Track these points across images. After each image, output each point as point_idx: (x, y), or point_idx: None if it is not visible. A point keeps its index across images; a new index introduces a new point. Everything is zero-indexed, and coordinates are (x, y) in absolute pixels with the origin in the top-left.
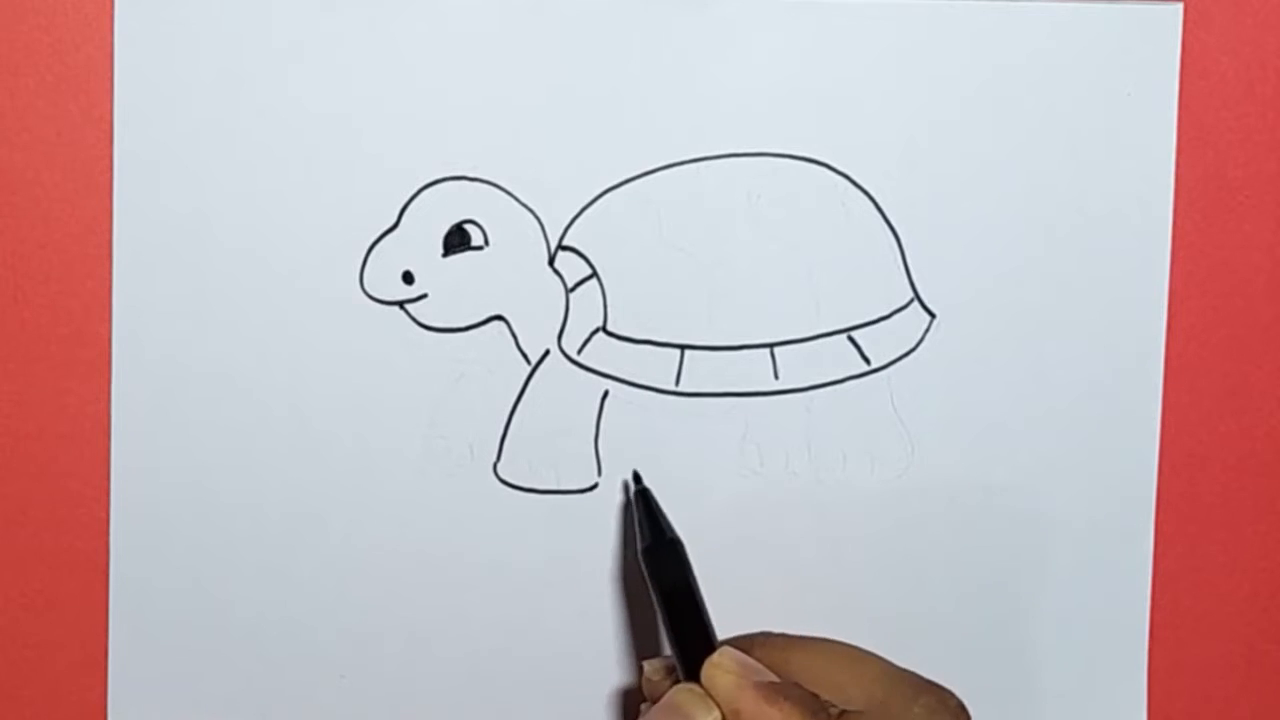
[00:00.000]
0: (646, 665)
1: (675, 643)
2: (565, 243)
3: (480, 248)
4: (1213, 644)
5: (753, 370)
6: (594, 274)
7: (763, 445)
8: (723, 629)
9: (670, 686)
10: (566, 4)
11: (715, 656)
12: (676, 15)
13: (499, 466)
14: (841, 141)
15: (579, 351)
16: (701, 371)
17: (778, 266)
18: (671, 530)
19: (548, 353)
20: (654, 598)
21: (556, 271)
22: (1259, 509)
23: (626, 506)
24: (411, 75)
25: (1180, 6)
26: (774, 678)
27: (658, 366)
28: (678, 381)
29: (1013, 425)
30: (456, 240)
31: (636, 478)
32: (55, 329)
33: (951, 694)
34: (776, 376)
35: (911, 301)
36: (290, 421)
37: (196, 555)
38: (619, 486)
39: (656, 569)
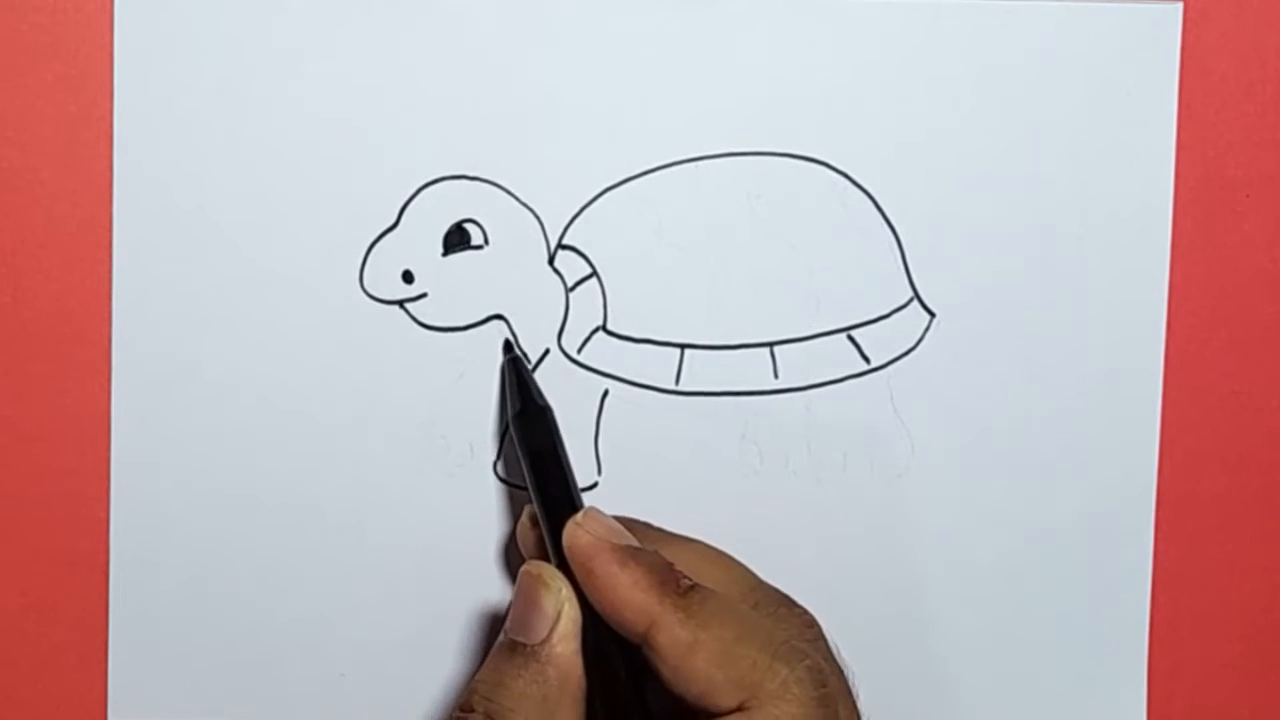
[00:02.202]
0: (525, 511)
1: (542, 507)
2: (565, 242)
3: (480, 247)
4: (1213, 644)
5: (752, 369)
6: (594, 273)
7: (763, 445)
8: None
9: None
10: (566, 4)
11: (579, 515)
12: (676, 15)
13: (499, 466)
14: (841, 141)
15: (579, 351)
16: (701, 371)
17: (777, 266)
18: (542, 398)
19: (547, 352)
20: (523, 463)
21: (556, 271)
22: (1259, 509)
23: (501, 376)
24: (411, 74)
25: (1180, 6)
26: (634, 541)
27: (657, 366)
28: (678, 381)
29: (1012, 425)
30: (456, 239)
31: (508, 346)
32: (55, 329)
33: (806, 610)
34: (776, 376)
35: (911, 301)
36: (290, 421)
37: (196, 555)
38: (619, 486)
39: (526, 433)
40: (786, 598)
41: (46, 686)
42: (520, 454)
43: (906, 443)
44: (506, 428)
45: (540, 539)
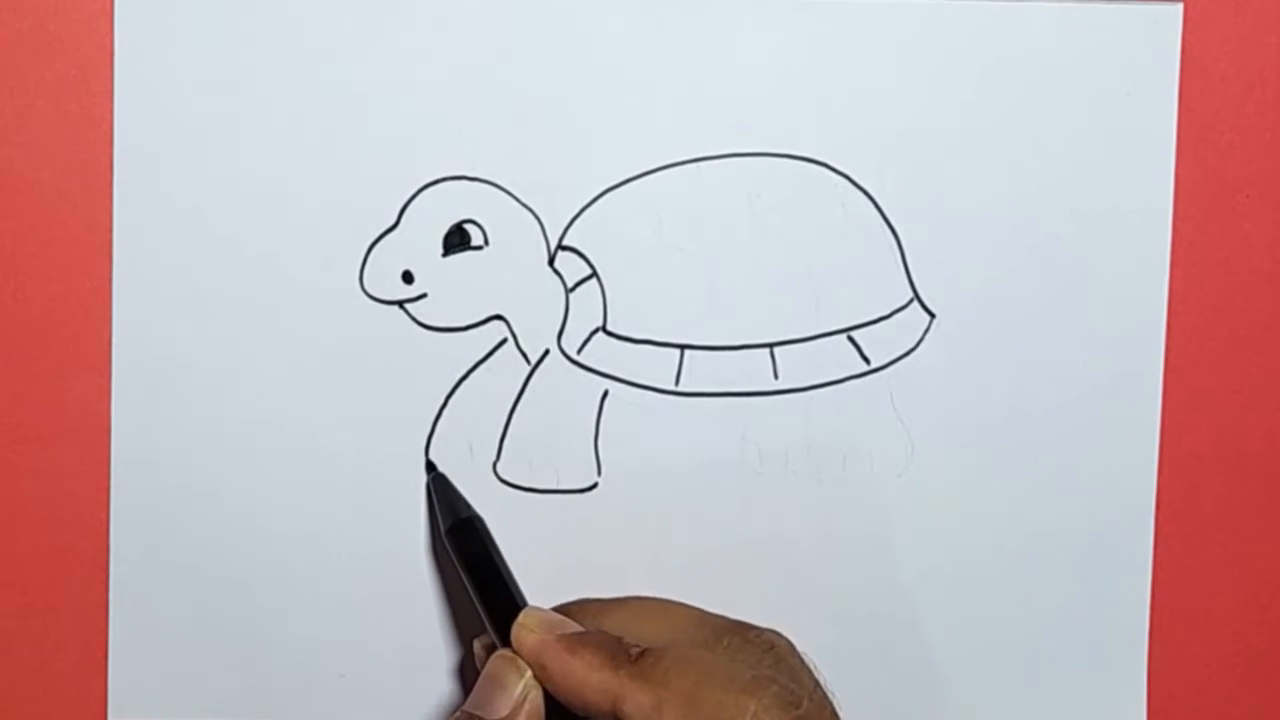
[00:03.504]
0: (476, 642)
1: (487, 613)
2: (565, 242)
3: (480, 247)
4: (1213, 644)
5: (753, 370)
6: (594, 274)
7: (763, 445)
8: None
9: None
10: (566, 4)
11: (520, 617)
12: (676, 15)
13: (499, 466)
14: (841, 141)
15: (579, 351)
16: (701, 371)
17: (777, 266)
18: (469, 509)
19: (547, 352)
20: (463, 575)
21: (556, 271)
22: (1259, 509)
23: (427, 498)
24: (411, 75)
25: (1180, 6)
26: (578, 628)
27: (657, 366)
28: (677, 381)
29: (1012, 425)
30: (456, 240)
31: (429, 466)
32: (55, 329)
33: (763, 631)
34: (776, 376)
35: (911, 301)
36: (290, 421)
37: (196, 555)
38: (619, 486)
39: (459, 545)
40: (739, 625)
41: (46, 686)
42: (459, 568)
43: (906, 443)
44: (507, 428)
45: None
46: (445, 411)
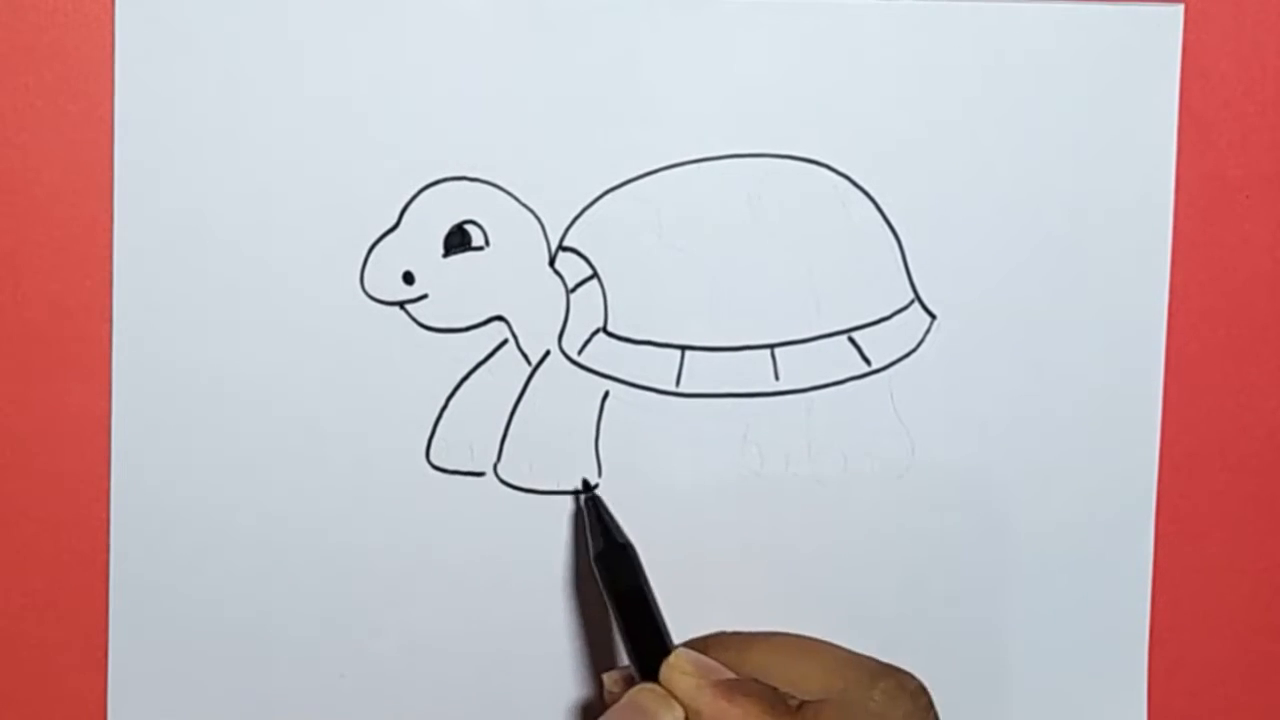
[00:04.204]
0: (606, 678)
1: (631, 646)
2: (566, 243)
3: (481, 248)
4: (1213, 644)
5: (753, 371)
6: (594, 274)
7: (763, 446)
8: (721, 627)
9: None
10: (567, 4)
11: (672, 658)
12: (676, 15)
13: (499, 467)
14: (842, 142)
15: (579, 352)
16: (702, 372)
17: (778, 267)
18: (623, 535)
19: (548, 353)
20: (608, 603)
21: (557, 272)
22: (1259, 509)
23: (577, 514)
24: (411, 75)
25: (1181, 7)
26: (731, 675)
27: (658, 367)
28: (678, 382)
29: (1013, 425)
30: (457, 240)
31: (586, 485)
32: (55, 329)
33: (911, 676)
34: (777, 377)
35: (912, 302)
36: (290, 422)
37: (196, 555)
38: (620, 487)
39: (609, 574)
40: (887, 668)
41: (46, 686)
42: (606, 596)
43: (906, 443)
44: (507, 428)
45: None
46: (446, 412)
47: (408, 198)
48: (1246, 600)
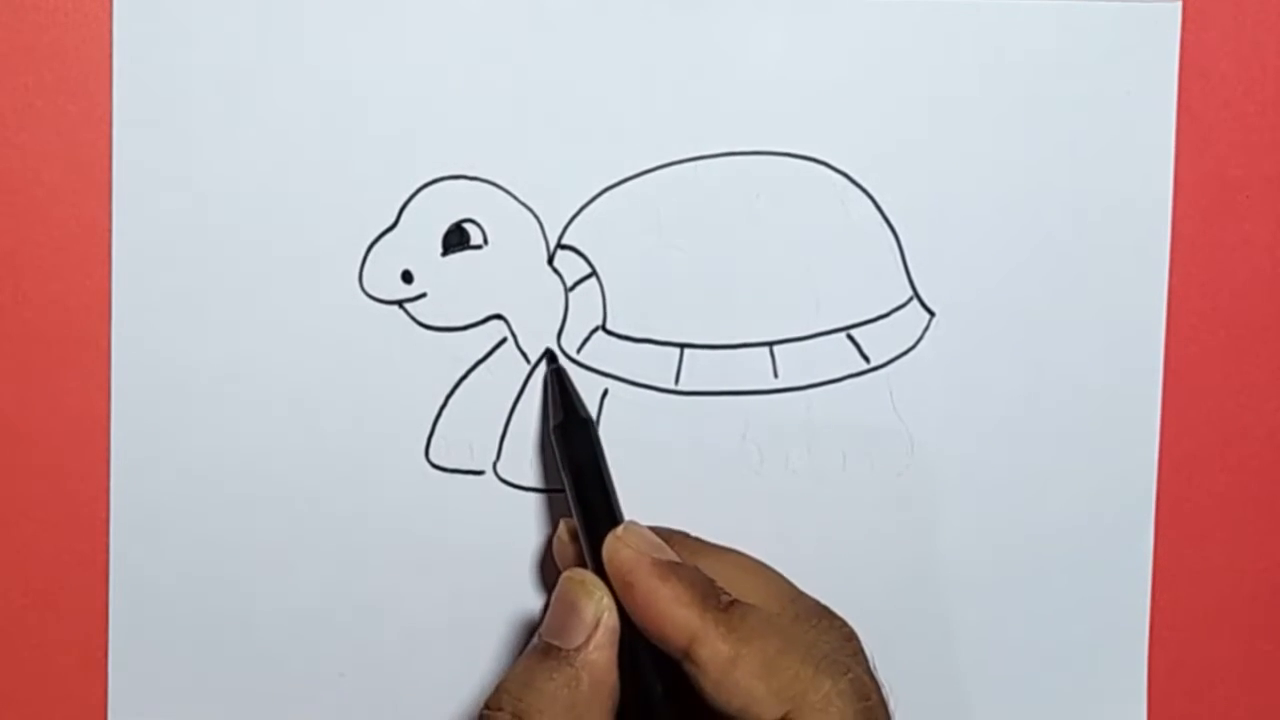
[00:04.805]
0: (561, 524)
1: (582, 519)
2: (564, 241)
3: (479, 247)
4: (1213, 644)
5: (752, 369)
6: (593, 273)
7: (763, 444)
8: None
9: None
10: (566, 3)
11: (620, 530)
12: (676, 15)
13: (499, 466)
14: (841, 140)
15: (578, 350)
16: (701, 370)
17: (777, 265)
18: (585, 409)
19: (547, 352)
20: (563, 475)
21: (556, 270)
22: (1259, 509)
23: (543, 385)
24: (410, 74)
25: (1179, 5)
26: (674, 557)
27: (657, 365)
28: (677, 380)
29: (1012, 424)
30: (456, 239)
31: (550, 356)
32: (55, 329)
33: (846, 623)
34: (776, 375)
35: (911, 300)
36: (290, 421)
37: (196, 555)
38: (619, 486)
39: (567, 445)
40: (825, 609)
41: (46, 686)
42: (561, 466)
43: (906, 443)
44: (507, 427)
45: (578, 552)
46: (445, 411)
47: (406, 196)
48: (1246, 600)
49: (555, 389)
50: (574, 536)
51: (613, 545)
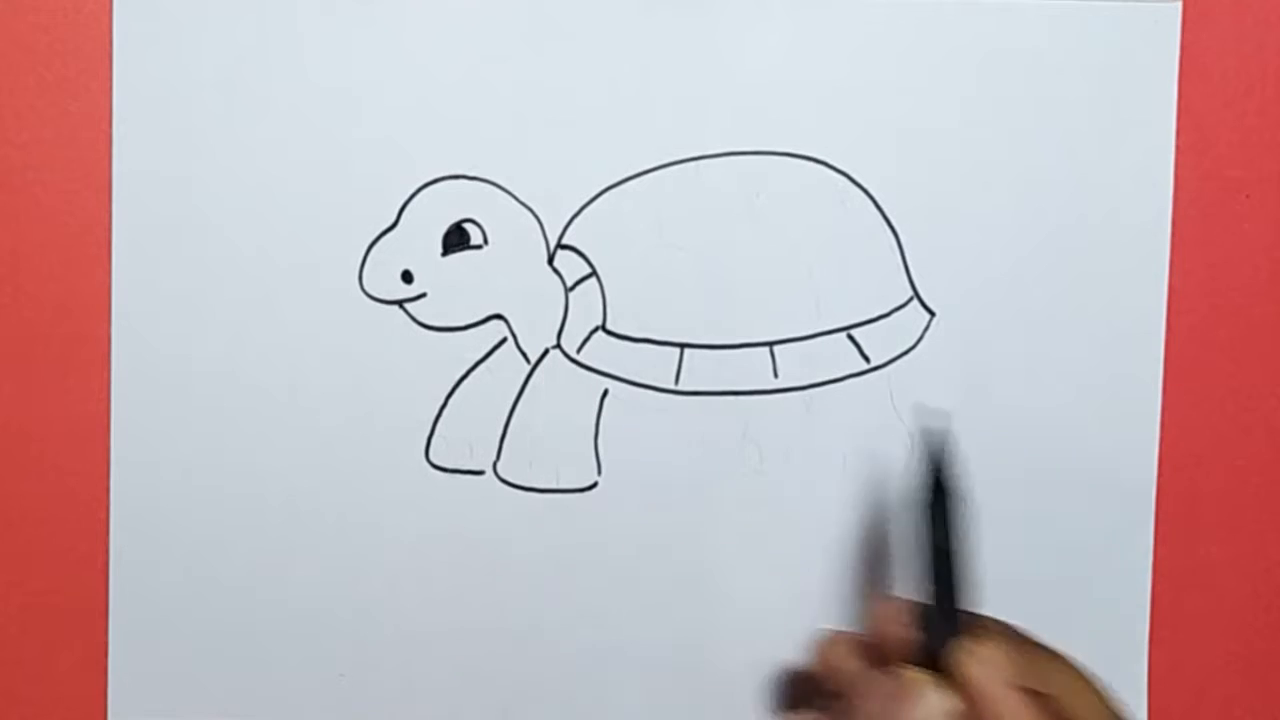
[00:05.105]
0: (828, 638)
1: (936, 603)
2: (564, 241)
3: (479, 247)
4: (1213, 644)
5: (752, 369)
6: (593, 273)
7: (763, 444)
8: (722, 627)
9: (854, 665)
10: (565, 4)
11: (982, 650)
12: (676, 15)
13: (499, 466)
14: (841, 140)
15: (578, 350)
16: (701, 370)
17: (777, 265)
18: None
19: (547, 351)
20: (920, 554)
21: (556, 270)
22: (1259, 509)
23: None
24: (410, 75)
25: (1179, 5)
26: (1038, 685)
27: (657, 365)
28: (677, 380)
29: (1012, 424)
30: (456, 239)
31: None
32: (55, 329)
33: None
34: (776, 375)
35: (911, 300)
36: (290, 421)
37: (196, 555)
38: (619, 486)
39: (932, 525)
40: None
41: (46, 686)
42: (922, 544)
43: (906, 440)
44: (507, 427)
45: (903, 637)
46: (445, 411)
47: (406, 196)
48: (1246, 600)
49: (928, 451)
50: (846, 649)
51: (966, 662)
